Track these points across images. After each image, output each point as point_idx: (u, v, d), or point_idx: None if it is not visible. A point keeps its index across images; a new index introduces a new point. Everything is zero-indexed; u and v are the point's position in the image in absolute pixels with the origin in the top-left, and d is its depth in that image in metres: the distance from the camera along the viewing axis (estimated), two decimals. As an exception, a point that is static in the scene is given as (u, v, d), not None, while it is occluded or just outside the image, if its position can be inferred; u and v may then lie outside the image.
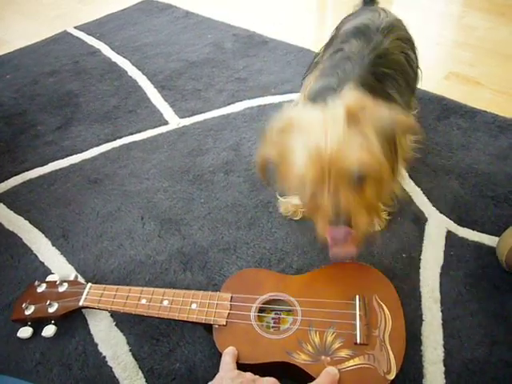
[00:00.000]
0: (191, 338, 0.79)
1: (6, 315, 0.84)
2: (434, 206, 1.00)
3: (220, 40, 1.70)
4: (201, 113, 1.33)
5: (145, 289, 0.79)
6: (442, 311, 0.81)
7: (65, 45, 1.74)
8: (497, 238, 0.90)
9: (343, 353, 0.68)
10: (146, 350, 0.78)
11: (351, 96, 0.68)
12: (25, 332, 0.79)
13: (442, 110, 1.27)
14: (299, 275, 0.83)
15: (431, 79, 1.33)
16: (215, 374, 0.64)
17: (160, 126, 1.29)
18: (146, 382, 0.74)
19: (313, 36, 1.80)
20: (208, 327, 0.75)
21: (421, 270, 0.88)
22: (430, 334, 0.78)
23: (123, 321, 0.82)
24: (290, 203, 0.99)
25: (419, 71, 1.01)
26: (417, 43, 1.05)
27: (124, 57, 1.63)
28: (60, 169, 1.17)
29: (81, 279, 0.89)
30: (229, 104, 1.36)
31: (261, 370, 0.65)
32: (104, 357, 0.77)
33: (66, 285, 0.83)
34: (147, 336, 0.80)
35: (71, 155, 1.21)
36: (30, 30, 1.90)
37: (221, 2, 2.05)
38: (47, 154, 1.22)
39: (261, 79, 1.46)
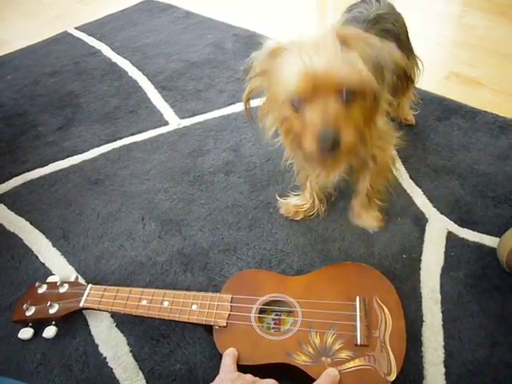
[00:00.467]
0: (191, 339, 0.79)
1: (6, 316, 0.84)
2: (434, 206, 1.00)
3: (220, 40, 1.70)
4: (201, 113, 1.33)
5: (145, 290, 0.79)
6: (442, 312, 0.81)
7: (65, 45, 1.75)
8: (497, 239, 0.89)
9: (344, 354, 0.68)
10: (147, 351, 0.78)
11: (343, 27, 0.73)
12: (26, 333, 0.79)
13: (443, 110, 1.27)
14: (300, 276, 0.83)
15: (432, 79, 1.33)
16: (215, 376, 0.64)
17: (160, 126, 1.29)
18: (147, 382, 0.74)
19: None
20: (208, 328, 0.75)
21: (421, 271, 0.88)
22: (430, 335, 0.77)
23: (124, 322, 0.82)
24: (290, 204, 0.99)
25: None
26: (417, 43, 1.06)
27: (124, 57, 1.63)
28: (61, 169, 1.17)
29: (81, 280, 0.89)
30: (229, 104, 1.36)
31: (261, 371, 0.65)
32: (105, 358, 0.77)
33: (66, 286, 0.83)
34: (148, 337, 0.80)
35: (72, 156, 1.21)
36: (30, 30, 1.90)
37: (221, 2, 2.05)
38: (48, 154, 1.22)
39: (261, 79, 1.46)
